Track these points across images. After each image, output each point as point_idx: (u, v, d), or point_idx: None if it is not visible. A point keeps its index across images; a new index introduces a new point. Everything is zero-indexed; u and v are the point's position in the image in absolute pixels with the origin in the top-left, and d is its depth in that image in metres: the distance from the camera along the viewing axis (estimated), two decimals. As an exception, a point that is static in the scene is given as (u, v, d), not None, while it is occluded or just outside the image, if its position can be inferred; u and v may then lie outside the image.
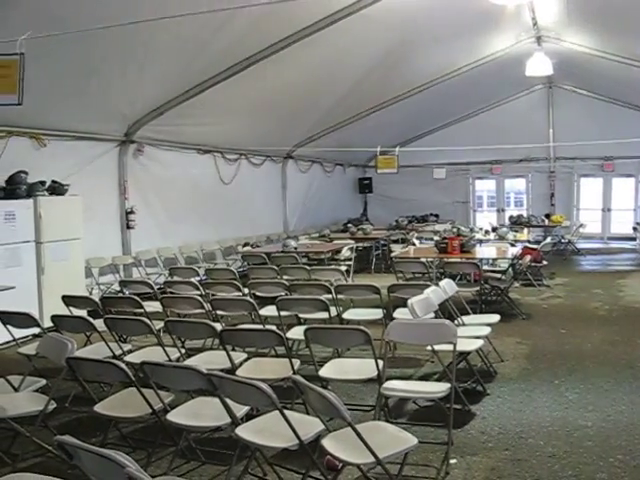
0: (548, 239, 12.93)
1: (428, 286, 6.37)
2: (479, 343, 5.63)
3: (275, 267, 9.09)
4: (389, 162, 14.94)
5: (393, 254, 10.95)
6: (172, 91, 9.95)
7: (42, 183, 8.86)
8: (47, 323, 6.14)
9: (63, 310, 6.78)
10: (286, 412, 3.47)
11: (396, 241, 15.00)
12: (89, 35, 6.78)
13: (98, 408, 4.31)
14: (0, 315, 6.01)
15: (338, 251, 12.40)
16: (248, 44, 8.96)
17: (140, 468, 2.47)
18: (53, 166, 9.34)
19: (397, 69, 12.43)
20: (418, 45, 11.25)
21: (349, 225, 16.52)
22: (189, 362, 5.07)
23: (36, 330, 6.51)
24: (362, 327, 4.63)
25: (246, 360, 5.23)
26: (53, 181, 9.09)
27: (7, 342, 7.31)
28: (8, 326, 6.02)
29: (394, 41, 10.59)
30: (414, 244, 12.72)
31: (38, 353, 4.91)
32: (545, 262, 12.03)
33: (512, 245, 11.42)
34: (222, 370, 4.18)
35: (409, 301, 5.49)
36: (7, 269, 8.11)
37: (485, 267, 10.32)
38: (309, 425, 3.66)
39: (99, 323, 5.81)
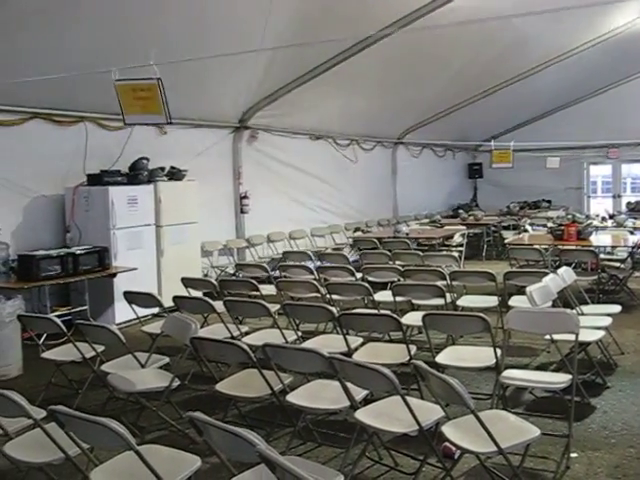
0: (671, 227, 12.30)
1: (546, 274, 6.20)
2: (600, 334, 5.43)
3: (387, 252, 9.08)
4: (504, 156, 14.43)
5: (507, 240, 10.71)
6: (285, 77, 10.06)
7: (162, 169, 9.19)
8: (165, 303, 6.36)
9: (180, 290, 7.02)
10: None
11: (507, 227, 14.67)
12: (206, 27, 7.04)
13: (219, 387, 4.44)
14: (126, 295, 6.33)
15: (449, 237, 12.25)
16: (360, 29, 8.91)
17: (269, 446, 2.54)
18: (172, 152, 9.66)
19: (510, 51, 12.09)
20: (533, 25, 10.88)
21: (460, 211, 16.28)
22: (307, 345, 5.15)
23: (156, 310, 6.80)
24: (481, 314, 4.58)
25: (362, 344, 5.25)
26: (172, 167, 9.40)
27: (129, 320, 7.67)
28: (133, 305, 6.32)
29: (508, 21, 10.28)
30: (527, 230, 12.42)
31: (163, 332, 5.10)
32: (667, 251, 11.47)
33: (631, 233, 10.96)
34: (339, 354, 4.22)
35: (528, 289, 5.36)
36: (130, 251, 8.46)
37: (602, 255, 9.97)
38: (428, 411, 3.65)
39: (217, 304, 5.99)
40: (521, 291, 6.26)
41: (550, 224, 11.60)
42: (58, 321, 5.15)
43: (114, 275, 8.02)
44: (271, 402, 4.78)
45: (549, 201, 18.38)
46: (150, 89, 5.85)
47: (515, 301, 6.57)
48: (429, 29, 9.16)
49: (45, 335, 6.43)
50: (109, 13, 6.69)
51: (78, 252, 7.74)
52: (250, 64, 9.00)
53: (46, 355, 5.51)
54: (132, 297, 6.30)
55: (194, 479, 3.14)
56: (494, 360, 4.66)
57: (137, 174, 8.77)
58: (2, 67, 6.83)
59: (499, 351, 4.70)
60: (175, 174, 9.40)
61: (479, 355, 4.93)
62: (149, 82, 5.83)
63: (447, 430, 3.51)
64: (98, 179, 8.36)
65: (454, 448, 3.77)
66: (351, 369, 3.64)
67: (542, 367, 6.22)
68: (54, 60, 6.93)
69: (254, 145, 11.53)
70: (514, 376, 4.60)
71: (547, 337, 5.36)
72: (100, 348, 5.23)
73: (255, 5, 7.65)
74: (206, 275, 10.06)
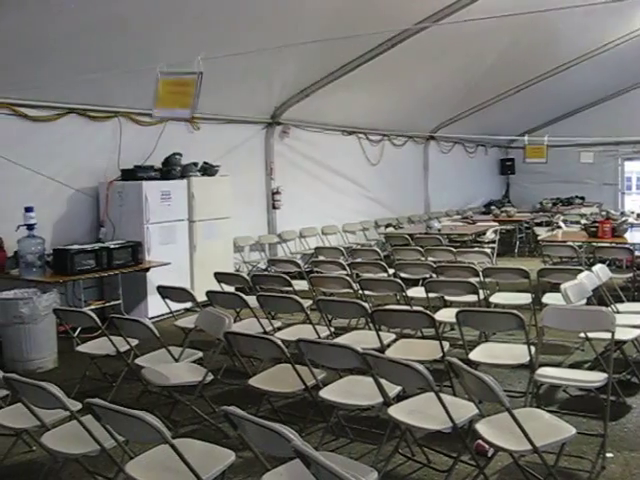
0: None
1: (580, 271, 6.13)
2: (636, 332, 5.34)
3: (420, 248, 9.04)
4: (538, 151, 14.18)
5: (540, 237, 10.60)
6: (317, 73, 10.04)
7: (195, 164, 9.21)
8: (198, 298, 6.38)
9: (212, 285, 7.05)
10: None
11: (540, 224, 14.51)
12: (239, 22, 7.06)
13: (252, 382, 4.45)
14: (160, 289, 6.37)
15: (481, 233, 12.16)
16: (392, 25, 8.87)
17: (304, 442, 2.54)
18: (205, 148, 9.71)
19: (543, 46, 11.93)
20: (566, 20, 10.71)
21: (492, 207, 16.16)
22: (340, 340, 5.14)
23: (189, 304, 6.84)
24: (516, 311, 4.54)
25: (394, 341, 5.24)
26: (205, 162, 9.42)
27: (162, 314, 7.72)
28: (166, 300, 6.36)
29: (541, 16, 10.13)
30: (560, 227, 12.27)
31: (197, 326, 5.13)
32: None
33: (668, 230, 10.77)
34: (372, 350, 4.21)
35: (562, 286, 5.30)
36: (163, 246, 8.51)
37: (637, 252, 9.81)
38: (462, 408, 3.63)
39: (250, 299, 6.01)
40: (554, 288, 6.19)
41: (584, 221, 11.46)
42: (93, 315, 5.19)
43: (147, 270, 8.08)
44: (303, 397, 4.78)
45: (582, 197, 18.13)
46: (189, 84, 5.78)
47: (549, 298, 6.50)
48: (461, 24, 9.10)
49: (80, 329, 6.51)
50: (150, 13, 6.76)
51: (112, 247, 7.80)
52: (283, 60, 9.00)
53: (81, 348, 5.58)
54: (165, 291, 6.33)
55: (228, 473, 3.16)
56: (528, 358, 4.63)
57: (170, 169, 8.81)
58: (46, 64, 6.94)
59: (533, 349, 4.65)
60: (208, 169, 9.43)
61: (513, 352, 4.89)
62: (190, 77, 5.78)
63: (481, 428, 3.48)
64: (132, 174, 8.42)
65: (487, 446, 3.75)
66: (385, 365, 3.63)
67: (576, 365, 6.15)
68: (91, 57, 7.02)
69: (286, 141, 11.56)
70: (548, 374, 4.55)
71: (581, 335, 5.29)
72: (134, 342, 5.27)
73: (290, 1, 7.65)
74: (238, 270, 10.10)
